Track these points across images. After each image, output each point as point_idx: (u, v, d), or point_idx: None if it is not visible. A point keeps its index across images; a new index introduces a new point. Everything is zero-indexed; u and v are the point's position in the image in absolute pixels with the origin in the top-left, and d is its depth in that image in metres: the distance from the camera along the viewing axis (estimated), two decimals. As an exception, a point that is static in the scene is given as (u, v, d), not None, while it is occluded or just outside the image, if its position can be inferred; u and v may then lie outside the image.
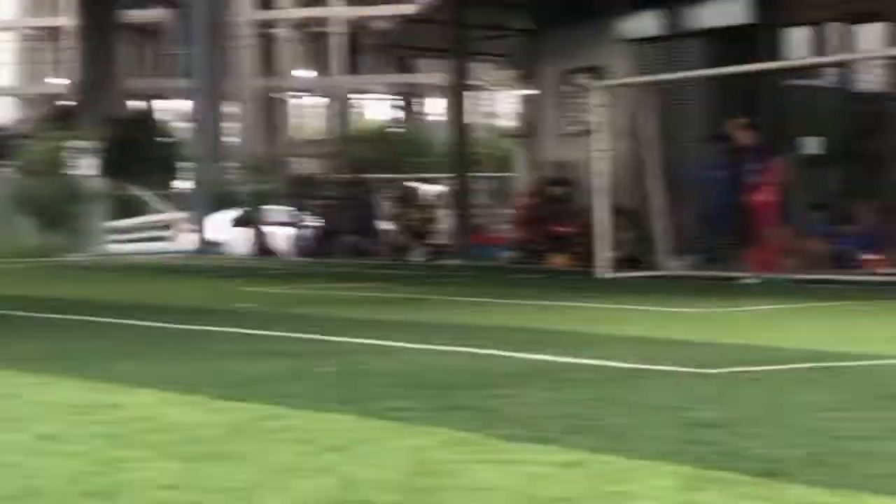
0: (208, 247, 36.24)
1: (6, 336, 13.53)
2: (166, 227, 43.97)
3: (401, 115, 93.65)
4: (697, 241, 24.07)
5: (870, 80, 25.07)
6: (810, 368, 9.16)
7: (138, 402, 7.95)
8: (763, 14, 26.14)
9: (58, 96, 64.81)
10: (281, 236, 35.23)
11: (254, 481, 5.49)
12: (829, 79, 26.48)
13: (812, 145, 26.01)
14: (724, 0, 26.46)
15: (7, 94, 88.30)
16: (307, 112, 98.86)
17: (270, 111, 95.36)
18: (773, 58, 25.63)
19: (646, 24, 27.66)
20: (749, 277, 20.47)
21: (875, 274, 20.54)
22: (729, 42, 26.19)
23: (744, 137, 20.99)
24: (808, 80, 26.93)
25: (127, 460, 6.01)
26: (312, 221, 33.63)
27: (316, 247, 33.16)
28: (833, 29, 25.78)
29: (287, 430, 6.80)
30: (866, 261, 22.08)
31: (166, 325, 13.93)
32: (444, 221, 32.77)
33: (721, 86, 25.83)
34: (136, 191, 51.66)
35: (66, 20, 61.45)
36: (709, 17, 26.72)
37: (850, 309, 15.53)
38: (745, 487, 5.17)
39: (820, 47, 25.99)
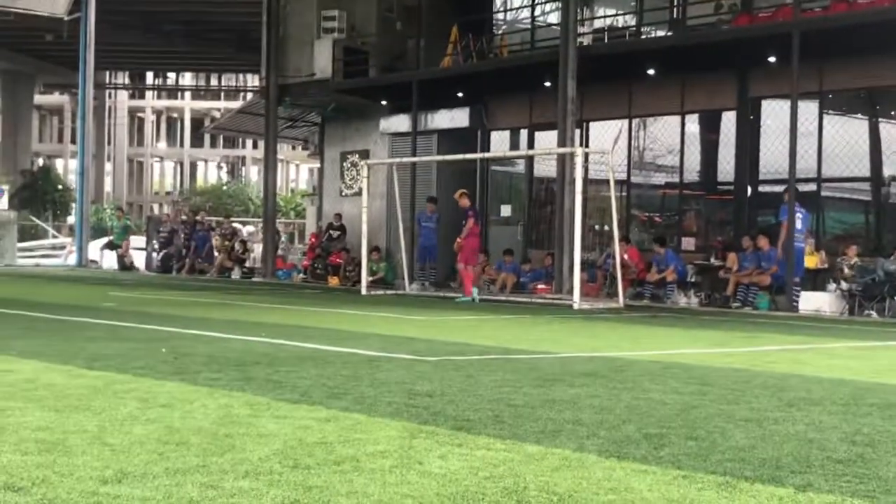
0: (87, 263, 35.12)
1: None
2: (59, 248, 42.64)
3: (228, 177, 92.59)
4: (423, 270, 24.26)
5: (545, 169, 25.60)
6: (495, 359, 9.28)
7: (25, 369, 7.66)
8: (477, 121, 26.67)
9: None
10: (138, 257, 34.31)
11: (104, 426, 5.37)
12: (519, 167, 27.00)
13: (506, 210, 26.50)
14: (450, 109, 26.84)
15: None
16: (162, 172, 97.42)
17: (136, 170, 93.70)
18: (483, 150, 26.17)
19: (398, 123, 27.88)
20: (460, 297, 20.67)
21: (544, 298, 20.95)
22: (454, 139, 26.60)
23: (463, 201, 21.26)
24: (506, 167, 27.46)
25: (11, 409, 5.80)
26: (161, 247, 32.77)
27: (163, 265, 32.38)
28: (523, 134, 26.31)
29: (130, 391, 6.63)
30: (539, 289, 22.56)
31: (53, 315, 13.48)
32: (256, 251, 32.36)
33: (449, 167, 26.18)
34: (38, 221, 50.00)
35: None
36: (441, 121, 27.08)
37: (527, 320, 15.78)
38: (445, 437, 5.22)
39: (514, 145, 26.52)
